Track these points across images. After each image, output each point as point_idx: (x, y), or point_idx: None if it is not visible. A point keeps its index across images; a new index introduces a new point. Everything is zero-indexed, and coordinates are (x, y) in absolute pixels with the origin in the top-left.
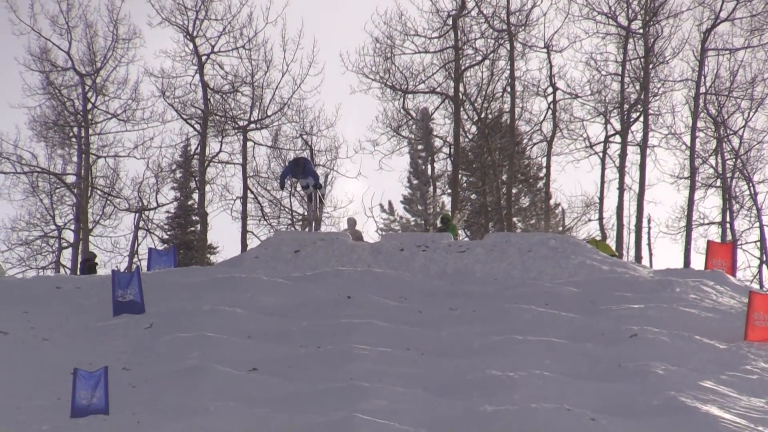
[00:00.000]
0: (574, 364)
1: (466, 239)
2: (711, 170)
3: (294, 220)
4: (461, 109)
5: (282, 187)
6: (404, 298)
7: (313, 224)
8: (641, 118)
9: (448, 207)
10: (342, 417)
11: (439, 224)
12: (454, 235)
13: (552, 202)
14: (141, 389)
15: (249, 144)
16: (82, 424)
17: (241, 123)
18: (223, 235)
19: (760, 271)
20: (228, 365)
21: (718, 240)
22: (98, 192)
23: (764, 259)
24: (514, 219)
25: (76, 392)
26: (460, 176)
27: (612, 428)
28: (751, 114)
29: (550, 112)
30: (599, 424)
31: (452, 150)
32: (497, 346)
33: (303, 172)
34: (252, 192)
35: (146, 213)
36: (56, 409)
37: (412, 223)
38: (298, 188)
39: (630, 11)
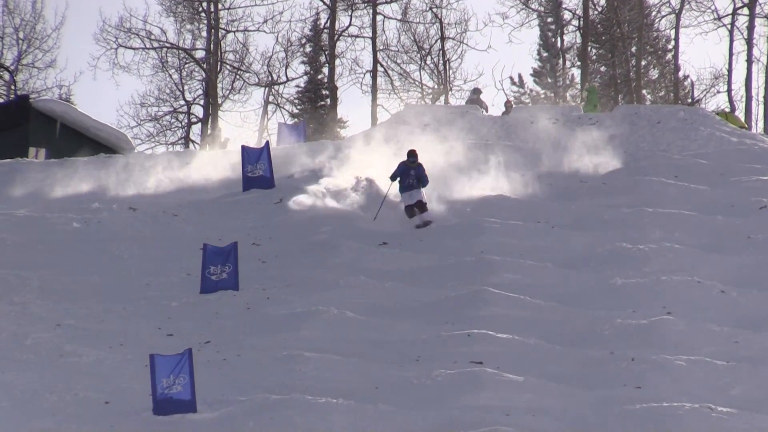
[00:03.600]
0: (704, 236)
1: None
2: None
3: (424, 93)
4: None
5: (393, 180)
6: (534, 171)
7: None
8: None
9: (578, 79)
10: (473, 290)
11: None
12: (595, 102)
13: (681, 74)
14: (270, 264)
15: (378, 17)
16: (211, 300)
17: None
18: (353, 110)
19: None
20: (358, 240)
21: None
22: (227, 67)
23: None
24: (643, 91)
25: (206, 268)
26: (589, 48)
27: (742, 300)
28: None
29: None
30: (729, 296)
31: (581, 22)
32: (627, 219)
33: (416, 171)
34: (382, 65)
35: (276, 87)
36: (186, 285)
37: (542, 96)
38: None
39: None
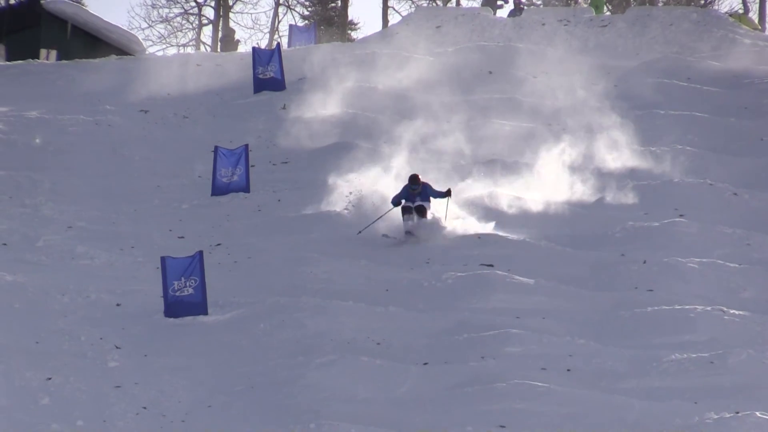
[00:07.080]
0: (717, 138)
1: (608, 14)
2: None
3: None
4: None
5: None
6: (546, 73)
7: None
8: None
9: None
10: (483, 193)
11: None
12: (597, 3)
13: None
14: (281, 167)
15: None
16: (223, 202)
17: None
18: (364, 12)
19: None
20: (368, 141)
21: None
22: None
23: None
24: None
25: (217, 170)
26: None
27: (754, 202)
28: None
29: None
30: (741, 198)
31: None
32: (639, 120)
33: (422, 195)
34: None
35: None
36: (197, 187)
37: None
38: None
39: None
